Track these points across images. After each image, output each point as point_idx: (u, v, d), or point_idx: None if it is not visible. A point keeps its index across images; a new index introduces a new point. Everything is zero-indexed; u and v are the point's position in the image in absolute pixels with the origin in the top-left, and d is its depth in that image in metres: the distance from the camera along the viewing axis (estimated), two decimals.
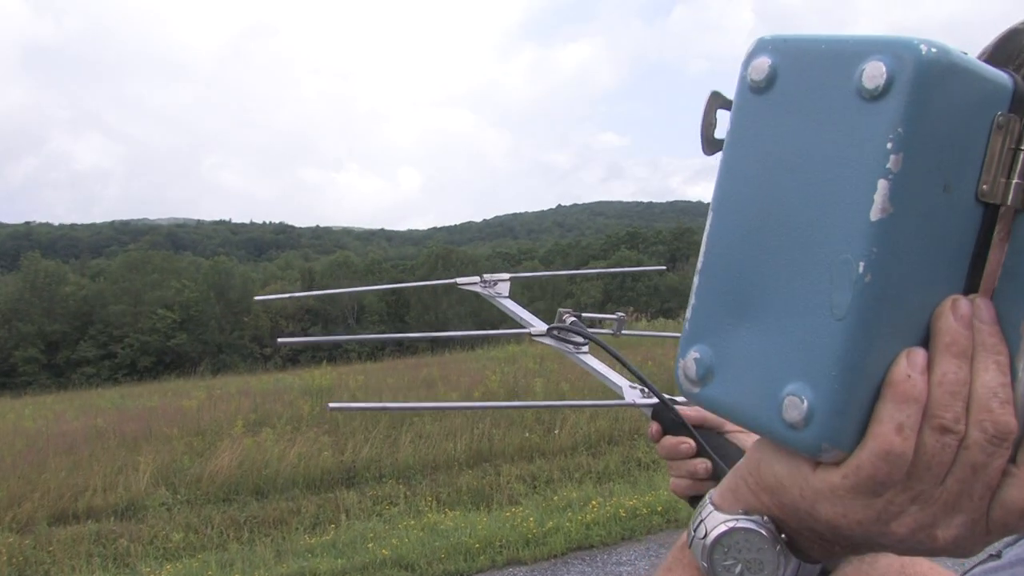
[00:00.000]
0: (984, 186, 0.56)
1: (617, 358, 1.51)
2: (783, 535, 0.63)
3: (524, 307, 1.75)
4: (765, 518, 0.63)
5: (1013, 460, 0.55)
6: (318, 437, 12.63)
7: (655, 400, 1.44)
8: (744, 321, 0.61)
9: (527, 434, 12.34)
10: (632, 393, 1.51)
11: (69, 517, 10.50)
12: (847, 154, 0.55)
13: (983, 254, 0.57)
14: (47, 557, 9.42)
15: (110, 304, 76.79)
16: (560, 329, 1.62)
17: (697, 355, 0.63)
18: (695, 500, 1.34)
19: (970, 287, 0.57)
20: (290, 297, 1.85)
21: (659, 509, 8.86)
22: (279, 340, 1.90)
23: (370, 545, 8.81)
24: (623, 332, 1.81)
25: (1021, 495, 0.55)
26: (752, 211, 0.61)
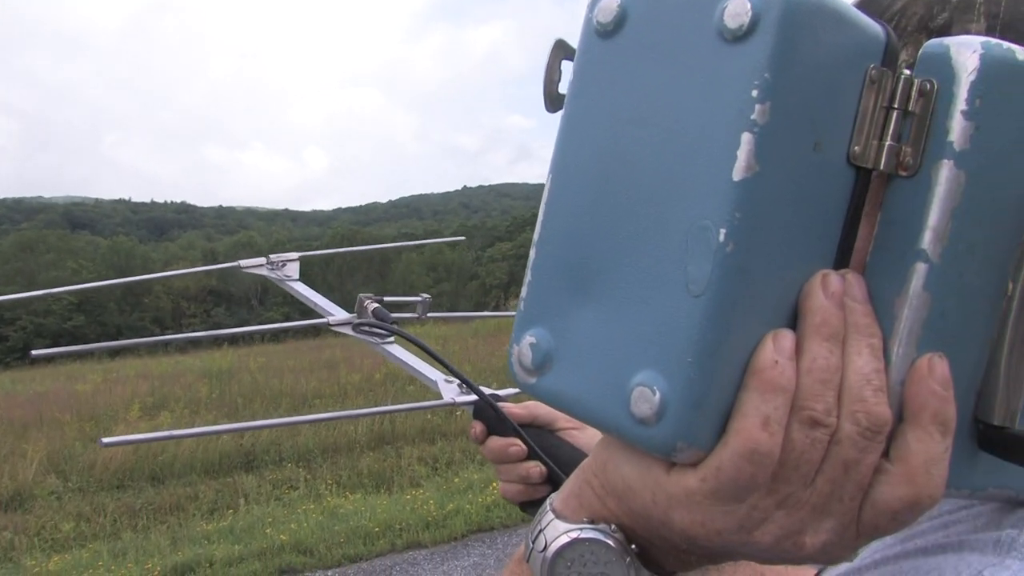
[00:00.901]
0: (856, 147, 0.49)
1: (424, 349, 1.39)
2: (633, 546, 0.55)
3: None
4: (613, 527, 0.55)
5: (886, 455, 0.49)
6: (217, 420, 12.40)
7: (475, 396, 1.32)
8: (588, 300, 0.52)
9: (430, 416, 12.30)
10: (450, 389, 1.39)
11: None
12: (706, 104, 0.48)
13: (855, 224, 0.51)
14: None
15: (1, 285, 74.32)
16: (361, 319, 1.47)
17: (533, 340, 0.55)
18: (529, 505, 1.26)
19: (841, 261, 0.51)
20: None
21: None
22: (33, 353, 1.66)
23: (268, 530, 8.67)
24: (428, 315, 1.67)
25: (894, 494, 0.49)
26: (597, 173, 0.53)
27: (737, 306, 0.47)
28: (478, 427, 1.28)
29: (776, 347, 0.48)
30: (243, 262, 1.61)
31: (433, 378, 1.42)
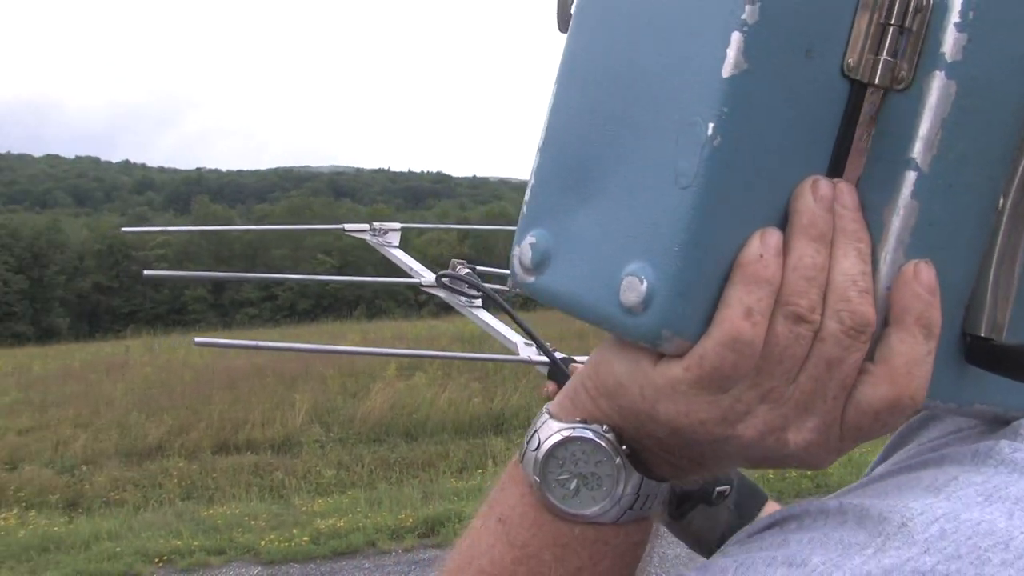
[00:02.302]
0: (850, 59, 0.49)
1: (508, 313, 1.44)
2: (624, 447, 0.55)
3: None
4: (605, 427, 0.55)
5: (871, 358, 0.49)
6: (468, 384, 12.82)
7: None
8: (587, 200, 0.54)
9: None
10: (527, 350, 1.45)
11: (230, 448, 11.03)
12: (700, 6, 0.48)
13: (848, 135, 0.50)
14: (211, 483, 9.95)
15: (272, 248, 79.70)
16: (451, 278, 1.54)
17: (533, 240, 0.56)
18: None
19: (834, 170, 0.51)
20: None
21: None
22: (146, 273, 2.03)
23: None
24: (517, 288, 1.72)
25: (876, 394, 0.49)
26: (599, 74, 0.54)
27: (724, 199, 0.47)
28: (551, 387, 1.36)
29: (763, 243, 0.48)
30: (348, 225, 1.72)
31: (513, 340, 1.49)
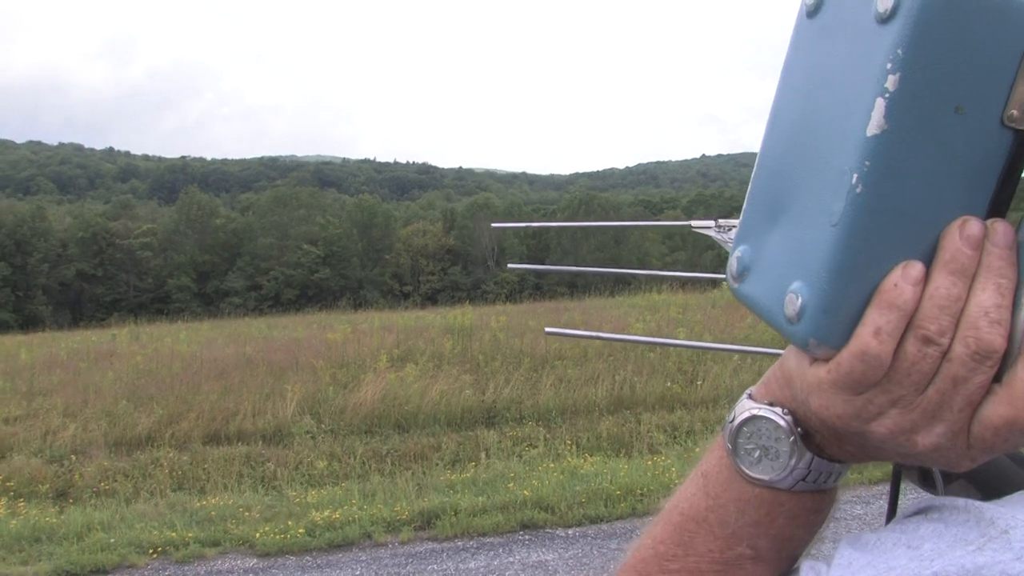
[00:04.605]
0: (1013, 111, 0.55)
1: None
2: (800, 428, 0.66)
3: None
4: (785, 410, 0.66)
5: (999, 380, 0.55)
6: (460, 375, 12.79)
7: None
8: (777, 224, 0.65)
9: (669, 384, 12.22)
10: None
11: (221, 438, 10.96)
12: (859, 73, 0.57)
13: (1014, 179, 0.57)
14: (202, 474, 9.88)
15: (258, 237, 79.52)
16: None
17: (739, 254, 0.69)
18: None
19: (995, 211, 0.57)
20: (525, 226, 1.84)
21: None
22: (509, 266, 1.96)
23: (511, 485, 8.88)
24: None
25: (998, 412, 0.55)
26: (794, 123, 0.65)
27: (865, 236, 0.56)
28: None
29: (903, 274, 0.56)
30: (694, 222, 1.79)
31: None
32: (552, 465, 9.64)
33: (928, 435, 0.58)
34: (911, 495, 0.80)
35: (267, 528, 7.95)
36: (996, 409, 0.55)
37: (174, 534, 7.84)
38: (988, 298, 0.55)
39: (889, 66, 0.55)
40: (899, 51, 0.54)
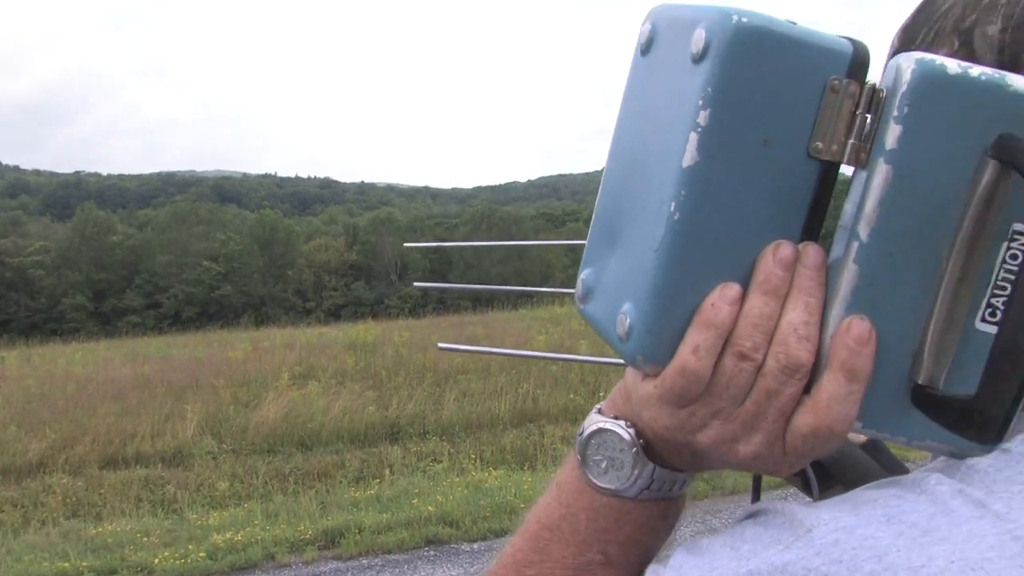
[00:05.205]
0: (818, 143, 0.60)
1: None
2: (641, 440, 0.70)
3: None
4: (628, 423, 0.71)
5: (808, 391, 0.60)
6: (363, 392, 12.71)
7: None
8: (615, 248, 0.69)
9: (572, 395, 12.33)
10: None
11: (119, 462, 10.68)
12: (678, 109, 0.62)
13: (823, 205, 0.62)
14: (99, 499, 9.62)
15: (156, 254, 77.71)
16: None
17: (584, 276, 0.73)
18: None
19: (809, 235, 0.62)
20: (437, 246, 1.88)
21: (704, 476, 8.80)
22: (415, 284, 2.03)
23: (415, 501, 8.85)
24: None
25: (806, 421, 0.60)
26: (628, 153, 0.70)
27: (683, 260, 0.60)
28: None
29: (720, 294, 0.61)
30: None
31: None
32: (457, 480, 9.64)
33: (748, 444, 0.62)
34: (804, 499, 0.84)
35: (167, 553, 7.77)
36: (804, 419, 0.60)
37: (67, 564, 7.61)
38: (797, 316, 0.60)
39: (700, 103, 0.59)
40: (709, 89, 0.59)
